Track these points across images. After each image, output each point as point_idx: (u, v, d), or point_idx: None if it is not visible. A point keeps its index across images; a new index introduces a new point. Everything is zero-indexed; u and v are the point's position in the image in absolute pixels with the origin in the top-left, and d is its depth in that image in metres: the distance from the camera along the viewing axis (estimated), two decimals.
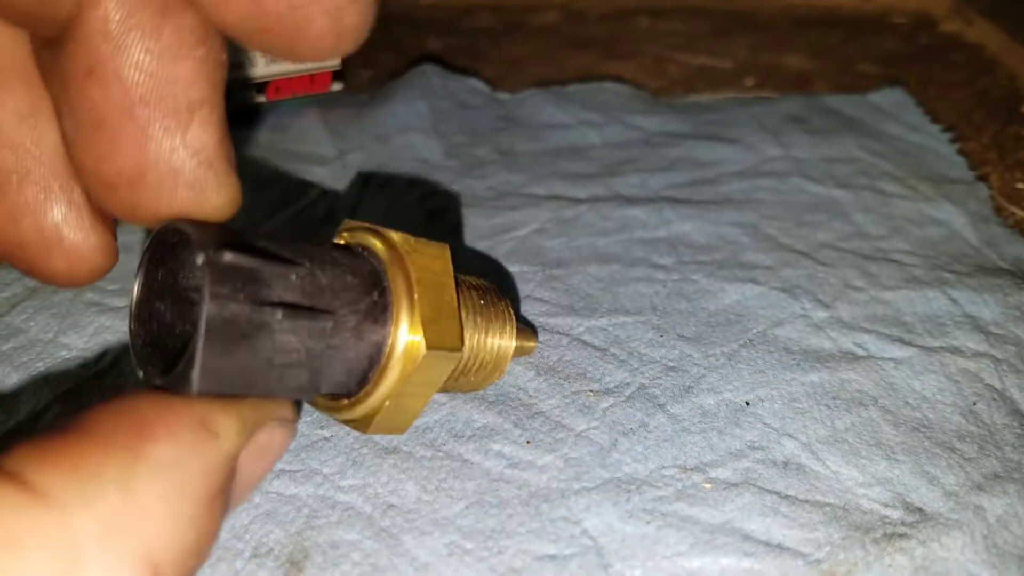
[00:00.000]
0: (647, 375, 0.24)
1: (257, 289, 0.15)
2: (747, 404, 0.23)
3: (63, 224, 0.17)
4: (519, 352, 0.23)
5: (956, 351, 0.25)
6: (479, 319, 0.21)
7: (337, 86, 0.39)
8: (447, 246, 0.19)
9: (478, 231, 0.31)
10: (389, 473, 0.21)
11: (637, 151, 0.37)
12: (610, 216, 0.32)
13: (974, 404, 0.23)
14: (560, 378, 0.24)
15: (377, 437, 0.22)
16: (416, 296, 0.18)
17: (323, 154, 0.35)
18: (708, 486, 0.20)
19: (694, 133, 0.38)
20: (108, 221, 0.18)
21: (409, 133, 0.37)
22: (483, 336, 0.21)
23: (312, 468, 0.21)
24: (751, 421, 0.22)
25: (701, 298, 0.27)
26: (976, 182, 0.34)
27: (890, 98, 0.42)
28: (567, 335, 0.26)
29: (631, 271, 0.28)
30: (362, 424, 0.18)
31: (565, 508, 0.19)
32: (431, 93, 0.40)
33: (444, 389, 0.21)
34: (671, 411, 0.22)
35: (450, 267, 0.19)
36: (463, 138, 0.38)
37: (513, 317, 0.22)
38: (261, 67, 0.37)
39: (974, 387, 0.23)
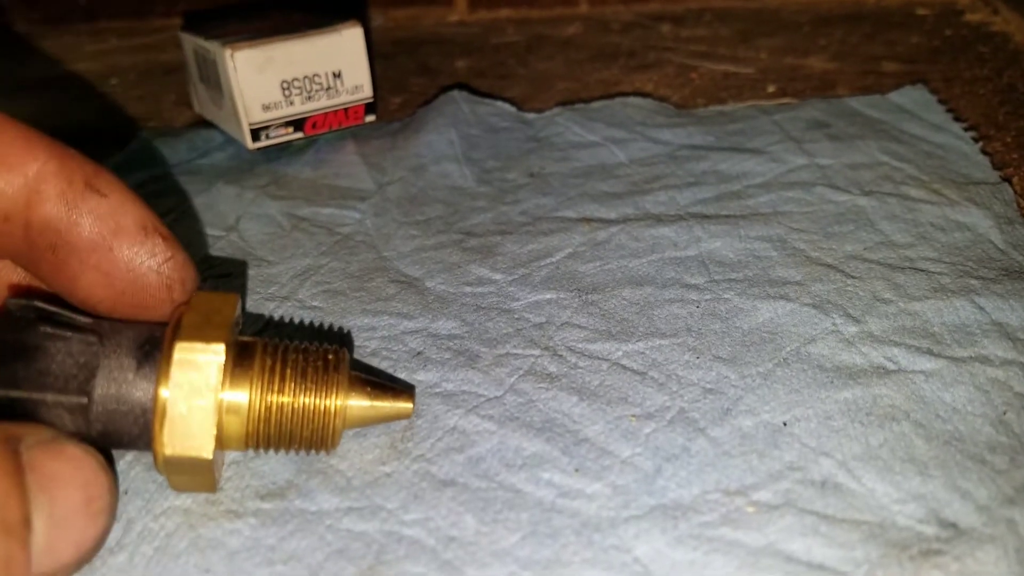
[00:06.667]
0: (686, 398, 0.25)
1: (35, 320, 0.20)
2: (784, 424, 0.24)
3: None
4: (366, 415, 0.23)
5: (985, 360, 0.26)
6: (279, 374, 0.22)
7: (370, 117, 0.41)
8: (235, 296, 0.22)
9: (515, 258, 0.32)
10: (448, 506, 0.22)
11: (663, 167, 0.38)
12: (641, 237, 0.33)
13: (1004, 414, 0.24)
14: (603, 403, 0.25)
15: (434, 470, 0.23)
16: (184, 324, 0.21)
17: (364, 188, 0.37)
18: (751, 509, 0.21)
19: (718, 145, 0.39)
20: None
21: (443, 162, 0.38)
22: (282, 390, 0.22)
23: (377, 504, 0.22)
24: (789, 441, 0.23)
25: (734, 317, 0.28)
26: (1000, 183, 0.34)
27: (912, 97, 0.42)
28: (606, 360, 0.27)
29: (664, 292, 0.30)
30: (162, 467, 0.21)
31: (615, 537, 0.21)
32: (461, 120, 0.41)
33: (252, 443, 0.22)
34: (711, 435, 0.24)
35: (232, 311, 0.22)
36: (494, 163, 0.39)
37: (344, 380, 0.22)
38: (298, 104, 0.39)
39: (1004, 396, 0.24)
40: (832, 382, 0.25)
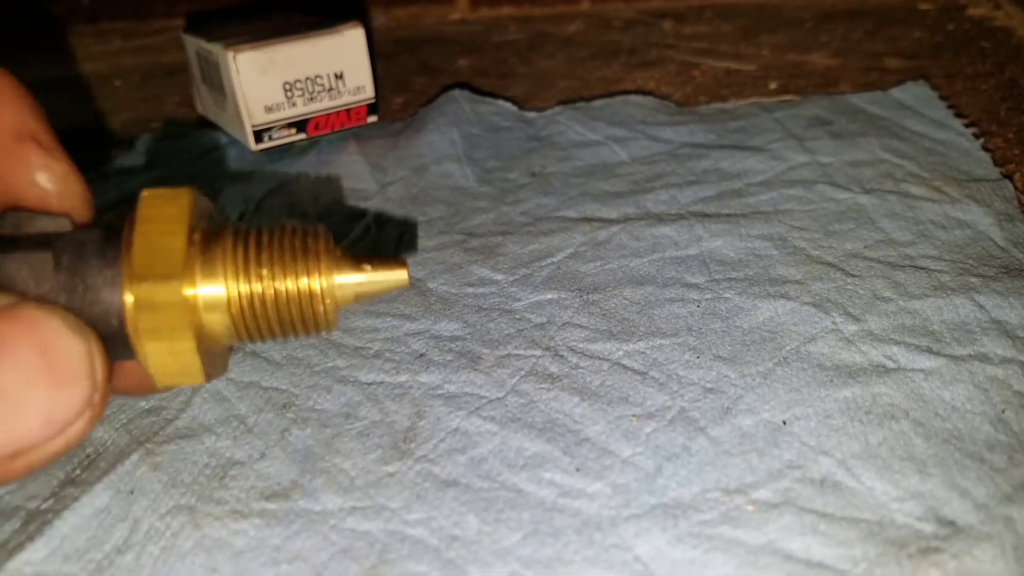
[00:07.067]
0: (687, 398, 0.25)
1: None
2: (784, 423, 0.24)
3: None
4: (358, 290, 0.21)
5: (984, 358, 0.26)
6: (254, 260, 0.20)
7: (372, 118, 0.41)
8: (188, 190, 0.20)
9: (516, 259, 0.32)
10: (451, 506, 0.22)
11: (664, 165, 0.38)
12: (642, 236, 0.33)
13: (1003, 412, 0.24)
14: (603, 403, 0.25)
15: (436, 470, 0.23)
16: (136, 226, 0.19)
17: (366, 188, 0.37)
18: (750, 508, 0.21)
19: (720, 143, 0.39)
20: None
21: (444, 162, 0.38)
22: (260, 276, 0.20)
23: (380, 504, 0.22)
24: (788, 440, 0.23)
25: (735, 316, 0.28)
26: (1001, 179, 0.35)
27: (913, 93, 0.42)
28: (607, 360, 0.27)
29: (665, 292, 0.30)
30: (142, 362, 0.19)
31: (616, 535, 0.21)
32: (462, 119, 0.41)
33: (243, 336, 0.20)
34: (711, 434, 0.24)
35: (184, 208, 0.19)
36: (496, 163, 0.39)
37: (325, 257, 0.20)
38: (300, 105, 0.39)
39: (1003, 394, 0.24)
40: (832, 381, 0.25)
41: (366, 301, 0.21)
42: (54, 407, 0.16)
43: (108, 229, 0.19)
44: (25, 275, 0.18)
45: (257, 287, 0.20)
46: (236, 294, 0.20)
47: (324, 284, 0.20)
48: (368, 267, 0.21)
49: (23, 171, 0.19)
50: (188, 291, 0.19)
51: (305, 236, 0.20)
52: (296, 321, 0.20)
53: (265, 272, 0.20)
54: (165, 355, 0.19)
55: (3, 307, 0.16)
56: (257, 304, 0.20)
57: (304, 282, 0.20)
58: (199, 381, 0.19)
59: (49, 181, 0.20)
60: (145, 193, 0.19)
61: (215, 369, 0.20)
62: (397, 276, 0.21)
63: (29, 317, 0.16)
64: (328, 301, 0.20)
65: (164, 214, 0.19)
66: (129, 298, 0.18)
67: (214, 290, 0.19)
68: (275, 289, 0.20)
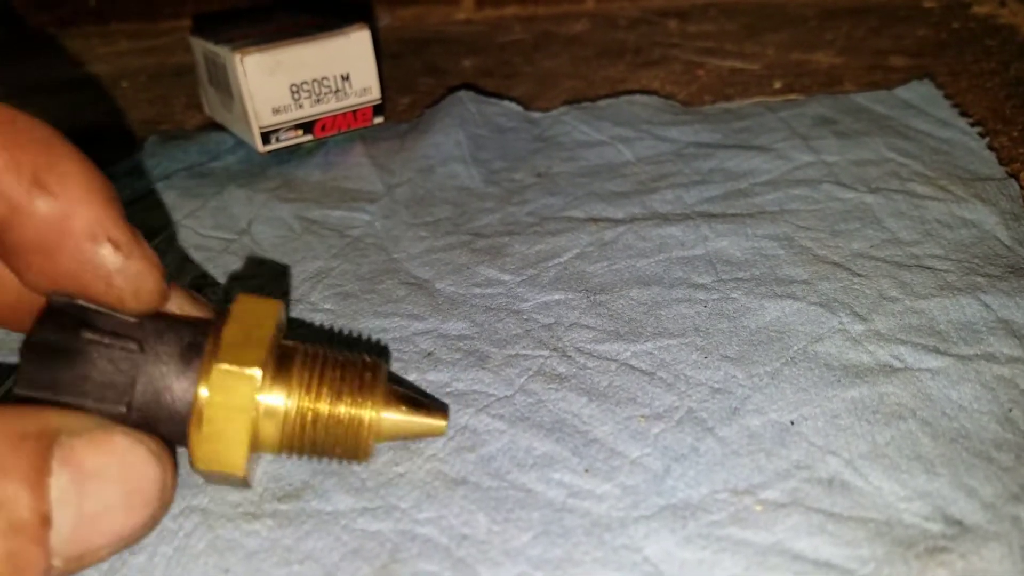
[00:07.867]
0: (694, 398, 0.25)
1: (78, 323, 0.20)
2: (792, 423, 0.24)
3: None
4: (399, 430, 0.23)
5: (991, 358, 0.26)
6: (317, 382, 0.22)
7: (379, 119, 0.41)
8: (279, 303, 0.22)
9: (523, 259, 0.32)
10: (461, 504, 0.22)
11: (670, 165, 0.38)
12: (648, 236, 0.33)
13: (1010, 411, 0.24)
14: (612, 404, 0.25)
15: (446, 469, 0.23)
16: (224, 338, 0.21)
17: (373, 190, 0.37)
18: (758, 508, 0.21)
19: (725, 143, 0.40)
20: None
21: (450, 163, 0.39)
22: (319, 398, 0.22)
23: (391, 504, 0.23)
24: (796, 440, 0.23)
25: (742, 316, 0.28)
26: (1007, 178, 0.35)
27: (918, 91, 0.42)
28: (615, 360, 0.27)
29: (672, 292, 0.30)
30: (192, 457, 0.21)
31: (626, 536, 0.21)
32: (468, 120, 0.42)
33: (286, 448, 0.22)
34: (719, 434, 0.24)
35: (273, 321, 0.22)
36: (502, 163, 0.39)
37: (380, 393, 0.23)
38: (307, 107, 0.39)
39: (1010, 393, 0.25)
40: (839, 381, 0.25)
41: (401, 438, 0.24)
42: (122, 527, 0.18)
43: (192, 342, 0.21)
44: (108, 369, 0.20)
45: (313, 406, 0.22)
46: (295, 408, 0.22)
47: (373, 416, 0.23)
48: (413, 410, 0.23)
49: (97, 271, 0.20)
50: (258, 396, 0.21)
51: (364, 368, 0.23)
52: (338, 445, 0.22)
53: (325, 395, 0.22)
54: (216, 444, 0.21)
55: (91, 431, 0.18)
56: (309, 422, 0.22)
57: (356, 411, 0.22)
58: (240, 473, 0.21)
59: (124, 281, 0.20)
60: (239, 299, 0.22)
61: (250, 474, 0.22)
62: (436, 424, 0.23)
63: (118, 447, 0.18)
64: (372, 433, 0.23)
65: (247, 335, 0.21)
66: (203, 394, 0.20)
67: (276, 402, 0.21)
68: (329, 412, 0.22)
